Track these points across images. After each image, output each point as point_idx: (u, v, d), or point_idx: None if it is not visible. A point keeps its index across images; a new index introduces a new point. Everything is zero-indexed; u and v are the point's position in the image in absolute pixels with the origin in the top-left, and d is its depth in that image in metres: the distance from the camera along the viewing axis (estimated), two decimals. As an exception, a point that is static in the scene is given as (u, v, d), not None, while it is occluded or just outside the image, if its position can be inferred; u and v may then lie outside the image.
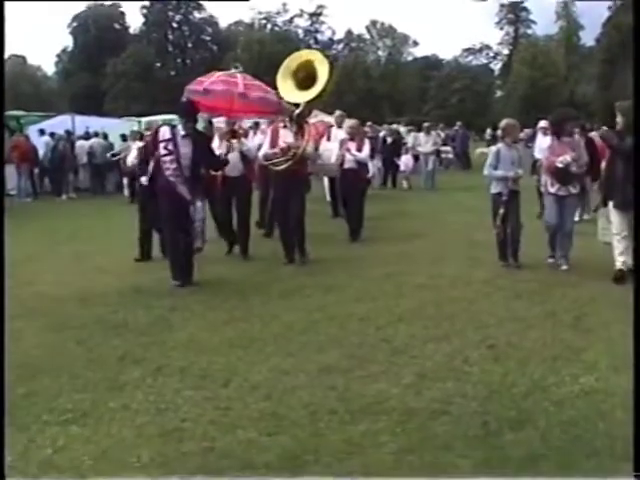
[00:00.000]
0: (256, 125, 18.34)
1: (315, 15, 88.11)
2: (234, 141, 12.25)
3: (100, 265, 11.85)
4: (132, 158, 12.98)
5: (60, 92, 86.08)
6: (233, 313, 8.81)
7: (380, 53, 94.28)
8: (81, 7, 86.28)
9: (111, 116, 41.29)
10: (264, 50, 73.77)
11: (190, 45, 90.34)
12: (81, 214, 20.83)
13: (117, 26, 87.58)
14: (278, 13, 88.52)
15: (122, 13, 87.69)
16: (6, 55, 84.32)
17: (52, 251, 13.76)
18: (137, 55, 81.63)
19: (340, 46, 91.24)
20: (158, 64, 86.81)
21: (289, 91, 11.83)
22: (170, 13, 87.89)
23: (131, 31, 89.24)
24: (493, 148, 11.55)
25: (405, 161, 27.35)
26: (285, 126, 11.78)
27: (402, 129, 34.44)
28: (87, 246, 14.14)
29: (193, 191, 10.20)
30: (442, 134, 38.04)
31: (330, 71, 11.80)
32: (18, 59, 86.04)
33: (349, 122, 15.18)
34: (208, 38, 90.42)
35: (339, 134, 14.64)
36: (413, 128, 33.09)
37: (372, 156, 18.13)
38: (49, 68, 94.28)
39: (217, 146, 11.98)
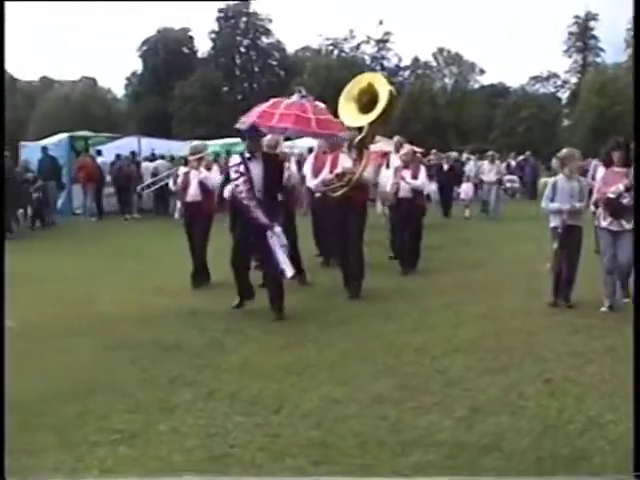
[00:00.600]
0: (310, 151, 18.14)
1: (382, 42, 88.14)
2: None
3: (159, 285, 11.92)
4: (172, 184, 13.10)
5: (129, 114, 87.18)
6: (289, 338, 8.78)
7: (446, 80, 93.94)
8: (151, 31, 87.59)
9: (178, 139, 41.70)
10: (331, 76, 73.87)
11: (257, 70, 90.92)
12: (143, 234, 21.04)
13: (186, 50, 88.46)
14: (345, 39, 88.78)
15: (191, 37, 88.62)
16: (77, 77, 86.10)
17: (113, 270, 13.89)
18: (205, 79, 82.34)
19: (406, 73, 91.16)
20: (225, 88, 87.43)
21: (351, 115, 11.39)
22: (238, 38, 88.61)
23: (199, 55, 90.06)
24: (551, 179, 11.03)
25: (465, 189, 27.13)
26: (344, 152, 11.48)
27: (466, 156, 34.25)
28: (147, 266, 14.27)
29: (271, 214, 9.88)
30: (513, 162, 37.84)
31: (391, 93, 11.24)
32: (89, 81, 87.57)
33: (403, 149, 14.69)
34: (275, 63, 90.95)
35: (397, 161, 14.45)
36: (475, 156, 32.88)
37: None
38: (119, 91, 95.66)
39: None
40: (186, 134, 59.42)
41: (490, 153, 27.77)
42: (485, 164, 26.84)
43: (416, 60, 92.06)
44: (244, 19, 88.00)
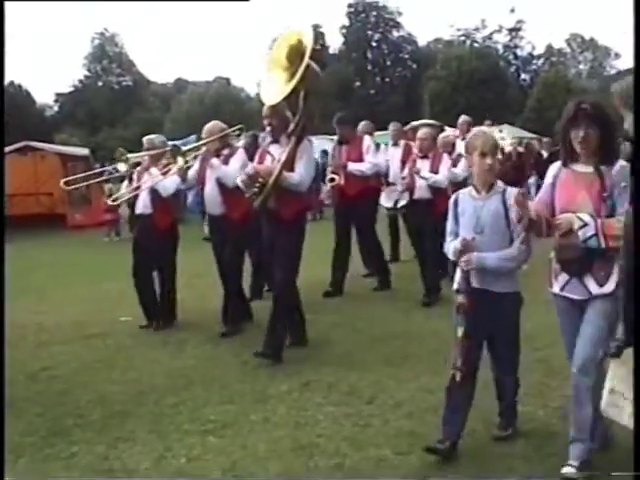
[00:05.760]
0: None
1: (514, 30, 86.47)
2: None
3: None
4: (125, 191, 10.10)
5: (261, 112, 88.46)
6: (394, 329, 8.78)
7: (581, 67, 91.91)
8: (281, 29, 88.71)
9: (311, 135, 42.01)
10: (463, 66, 73.15)
11: (389, 63, 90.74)
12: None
13: (317, 46, 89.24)
14: (477, 29, 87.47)
15: (322, 33, 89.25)
16: (211, 78, 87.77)
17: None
18: (337, 74, 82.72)
19: (540, 61, 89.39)
20: (357, 83, 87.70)
21: (277, 85, 7.60)
22: (369, 32, 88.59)
23: (331, 51, 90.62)
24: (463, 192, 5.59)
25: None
26: (275, 141, 8.10)
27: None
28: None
29: None
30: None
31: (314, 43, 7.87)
32: (223, 81, 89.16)
33: (420, 132, 10.89)
34: (407, 56, 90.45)
35: (461, 146, 11.25)
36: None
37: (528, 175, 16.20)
38: (252, 89, 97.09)
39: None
40: (319, 129, 59.89)
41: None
42: None
43: (550, 48, 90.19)
44: (374, 13, 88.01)
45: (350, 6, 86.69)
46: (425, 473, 4.91)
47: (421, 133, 10.72)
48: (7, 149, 21.63)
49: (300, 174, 7.70)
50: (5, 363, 5.32)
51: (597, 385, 4.65)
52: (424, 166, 10.23)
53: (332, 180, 11.05)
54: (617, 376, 4.36)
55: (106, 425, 6.02)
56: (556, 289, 5.04)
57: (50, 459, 5.38)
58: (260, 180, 7.56)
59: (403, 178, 10.76)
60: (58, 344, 8.84)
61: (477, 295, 5.21)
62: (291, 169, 7.65)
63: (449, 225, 5.49)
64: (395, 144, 13.07)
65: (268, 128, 8.02)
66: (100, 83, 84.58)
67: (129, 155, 9.65)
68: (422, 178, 10.16)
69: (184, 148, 9.40)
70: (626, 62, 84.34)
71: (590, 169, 4.76)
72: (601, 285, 4.75)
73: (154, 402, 6.53)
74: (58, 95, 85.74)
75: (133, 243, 9.72)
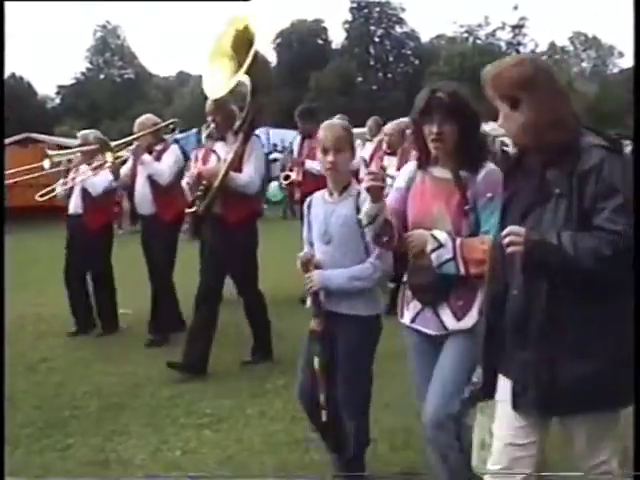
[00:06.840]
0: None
1: (517, 27, 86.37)
2: None
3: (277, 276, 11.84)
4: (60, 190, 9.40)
5: (265, 107, 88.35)
6: (387, 326, 8.71)
7: (584, 65, 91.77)
8: (285, 24, 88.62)
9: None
10: (465, 63, 73.06)
11: (391, 59, 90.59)
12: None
13: (319, 41, 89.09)
14: (480, 26, 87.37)
15: (324, 28, 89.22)
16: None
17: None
18: (339, 69, 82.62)
19: (543, 59, 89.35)
20: (360, 78, 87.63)
21: (223, 76, 6.90)
22: (372, 27, 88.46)
23: (333, 46, 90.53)
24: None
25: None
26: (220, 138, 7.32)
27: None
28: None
29: None
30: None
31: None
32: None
33: (387, 127, 10.13)
34: (409, 52, 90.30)
35: (367, 152, 11.21)
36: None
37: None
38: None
39: None
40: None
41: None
42: None
43: (552, 45, 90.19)
44: (377, 9, 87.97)
45: (353, 1, 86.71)
46: (420, 469, 4.92)
47: (388, 128, 9.90)
48: (8, 141, 21.64)
49: (249, 174, 7.05)
50: (5, 356, 5.34)
51: (461, 439, 3.92)
52: (392, 163, 9.18)
53: (287, 177, 10.59)
54: (485, 427, 3.54)
55: (102, 417, 6.06)
56: (406, 320, 4.19)
57: (46, 450, 5.42)
58: (204, 183, 6.90)
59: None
60: (56, 336, 8.88)
61: (328, 318, 4.53)
62: (239, 169, 7.04)
63: (304, 232, 4.76)
64: (371, 140, 12.32)
65: (212, 125, 7.23)
66: (102, 76, 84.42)
67: (51, 152, 9.10)
68: (388, 177, 9.07)
69: (113, 144, 8.86)
70: (629, 61, 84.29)
71: (449, 175, 3.94)
72: (459, 319, 3.91)
73: (150, 395, 6.57)
74: (60, 87, 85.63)
75: (66, 245, 9.47)
